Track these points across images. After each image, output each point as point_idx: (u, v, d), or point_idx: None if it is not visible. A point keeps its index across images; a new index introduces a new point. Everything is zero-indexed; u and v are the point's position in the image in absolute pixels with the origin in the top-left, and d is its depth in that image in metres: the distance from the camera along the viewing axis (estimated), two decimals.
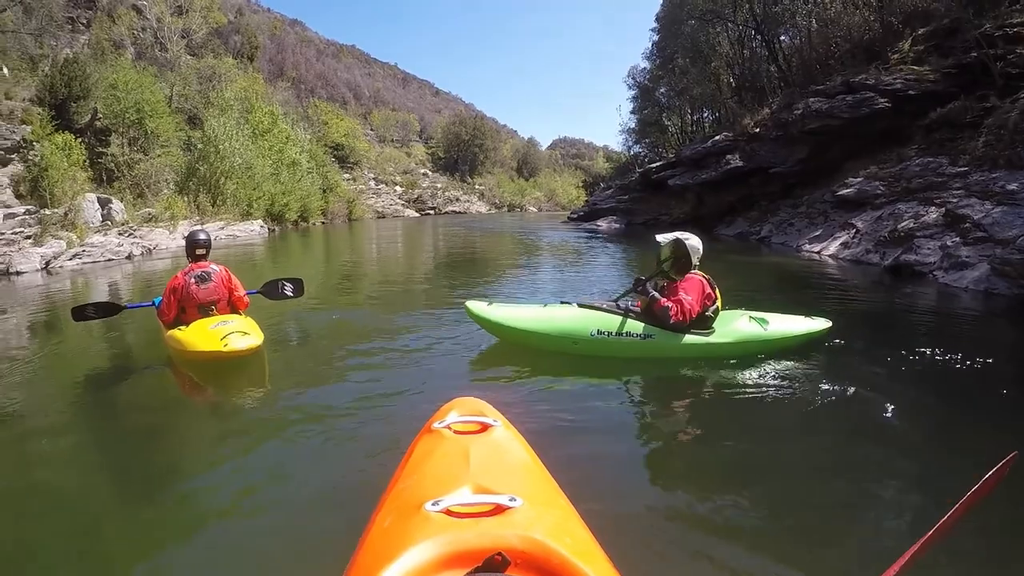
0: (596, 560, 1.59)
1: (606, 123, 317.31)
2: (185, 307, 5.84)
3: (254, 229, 29.16)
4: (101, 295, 12.20)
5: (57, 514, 3.28)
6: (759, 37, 29.32)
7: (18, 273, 14.83)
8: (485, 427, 2.35)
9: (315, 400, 4.85)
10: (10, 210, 17.53)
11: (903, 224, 12.85)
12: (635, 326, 5.40)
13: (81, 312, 6.24)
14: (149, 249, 19.75)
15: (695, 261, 5.48)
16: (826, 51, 24.16)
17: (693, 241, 5.48)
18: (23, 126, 21.11)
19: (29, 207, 18.12)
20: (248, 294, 6.41)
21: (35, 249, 15.82)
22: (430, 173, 79.73)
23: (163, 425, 4.66)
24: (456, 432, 2.31)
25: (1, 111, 20.87)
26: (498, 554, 1.46)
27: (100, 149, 24.89)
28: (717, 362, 5.39)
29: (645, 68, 45.14)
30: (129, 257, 18.03)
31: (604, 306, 5.67)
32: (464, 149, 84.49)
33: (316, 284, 12.18)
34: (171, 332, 5.78)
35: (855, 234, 14.65)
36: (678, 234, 5.57)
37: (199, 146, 29.71)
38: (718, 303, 5.43)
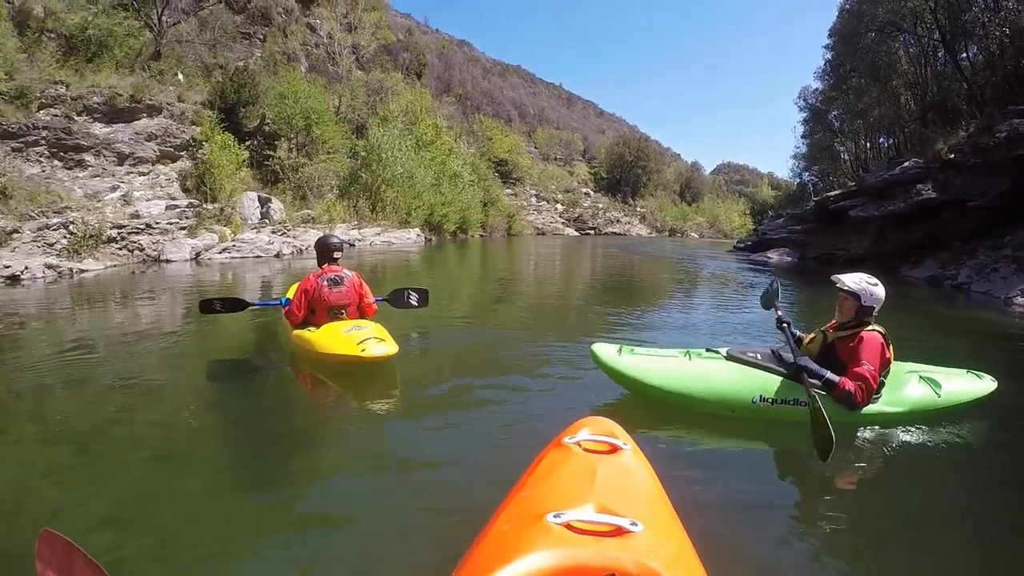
0: None
1: (771, 149, 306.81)
2: (315, 309, 5.86)
3: (411, 237, 28.90)
4: (241, 288, 11.94)
5: (171, 492, 3.37)
6: (943, 52, 25.72)
7: (168, 261, 14.94)
8: (615, 448, 2.32)
9: (443, 408, 4.80)
10: (174, 202, 17.83)
11: None
12: (804, 394, 4.28)
13: (209, 305, 6.36)
14: (300, 249, 19.67)
15: (876, 313, 4.53)
16: (1016, 66, 20.79)
17: (880, 290, 4.50)
18: (193, 127, 21.63)
19: (192, 201, 18.48)
20: (376, 301, 6.42)
21: (187, 240, 15.83)
22: (592, 193, 78.50)
23: (287, 421, 4.66)
24: (585, 450, 2.30)
25: (174, 112, 21.39)
26: (612, 575, 1.52)
27: (267, 152, 25.41)
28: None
29: (817, 89, 40.71)
30: (278, 255, 17.93)
31: (759, 358, 4.69)
32: (627, 170, 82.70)
33: (462, 297, 12.47)
34: (299, 332, 5.83)
35: None
36: (865, 278, 4.57)
37: (362, 154, 29.90)
38: (891, 363, 4.51)
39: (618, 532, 1.68)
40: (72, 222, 13.85)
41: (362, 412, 4.89)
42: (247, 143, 24.85)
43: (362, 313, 6.14)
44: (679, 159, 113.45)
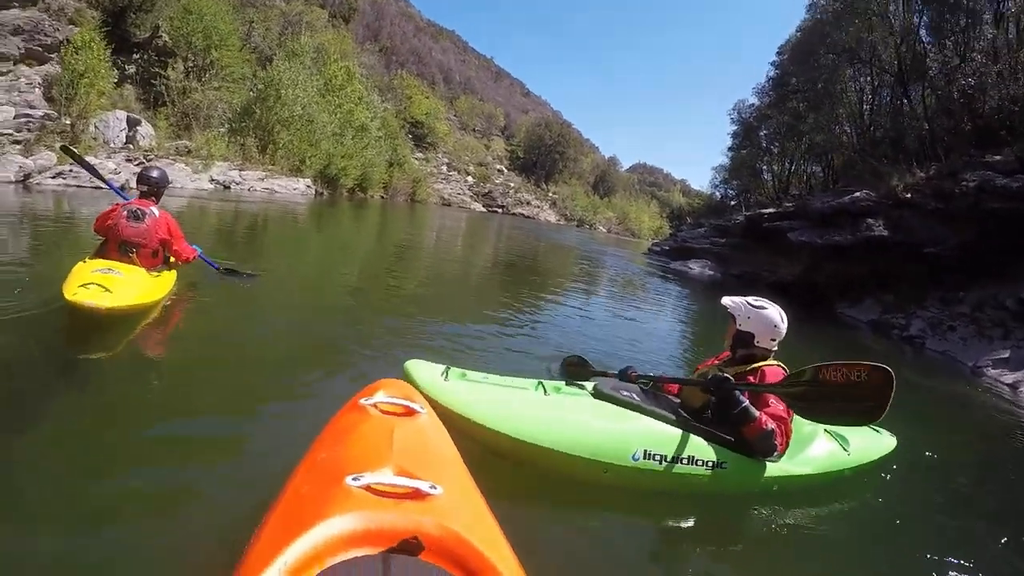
0: (506, 558, 1.62)
1: (687, 156, 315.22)
2: (108, 240, 5.17)
3: (298, 187, 26.56)
4: (73, 225, 10.22)
5: None
6: (891, 90, 25.98)
7: None
8: (411, 412, 2.31)
9: (237, 369, 4.45)
10: (29, 111, 15.43)
11: None
12: (703, 449, 3.38)
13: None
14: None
15: (774, 347, 3.60)
16: (975, 120, 20.86)
17: (768, 315, 3.57)
18: (71, 26, 19.21)
19: (51, 112, 16.14)
20: (199, 256, 6.04)
21: (16, 158, 13.52)
22: (505, 171, 77.96)
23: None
24: (382, 411, 2.27)
25: (50, 5, 19.00)
26: (414, 537, 1.52)
27: (156, 70, 22.90)
28: None
29: (753, 104, 40.64)
30: (123, 188, 15.43)
31: (636, 398, 3.54)
32: (544, 154, 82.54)
33: (352, 259, 11.91)
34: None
35: None
36: (751, 299, 3.69)
37: (259, 86, 27.50)
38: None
39: (417, 495, 1.69)
40: None
41: (117, 372, 4.07)
42: (136, 56, 22.58)
43: (173, 257, 5.59)
44: (597, 151, 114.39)
